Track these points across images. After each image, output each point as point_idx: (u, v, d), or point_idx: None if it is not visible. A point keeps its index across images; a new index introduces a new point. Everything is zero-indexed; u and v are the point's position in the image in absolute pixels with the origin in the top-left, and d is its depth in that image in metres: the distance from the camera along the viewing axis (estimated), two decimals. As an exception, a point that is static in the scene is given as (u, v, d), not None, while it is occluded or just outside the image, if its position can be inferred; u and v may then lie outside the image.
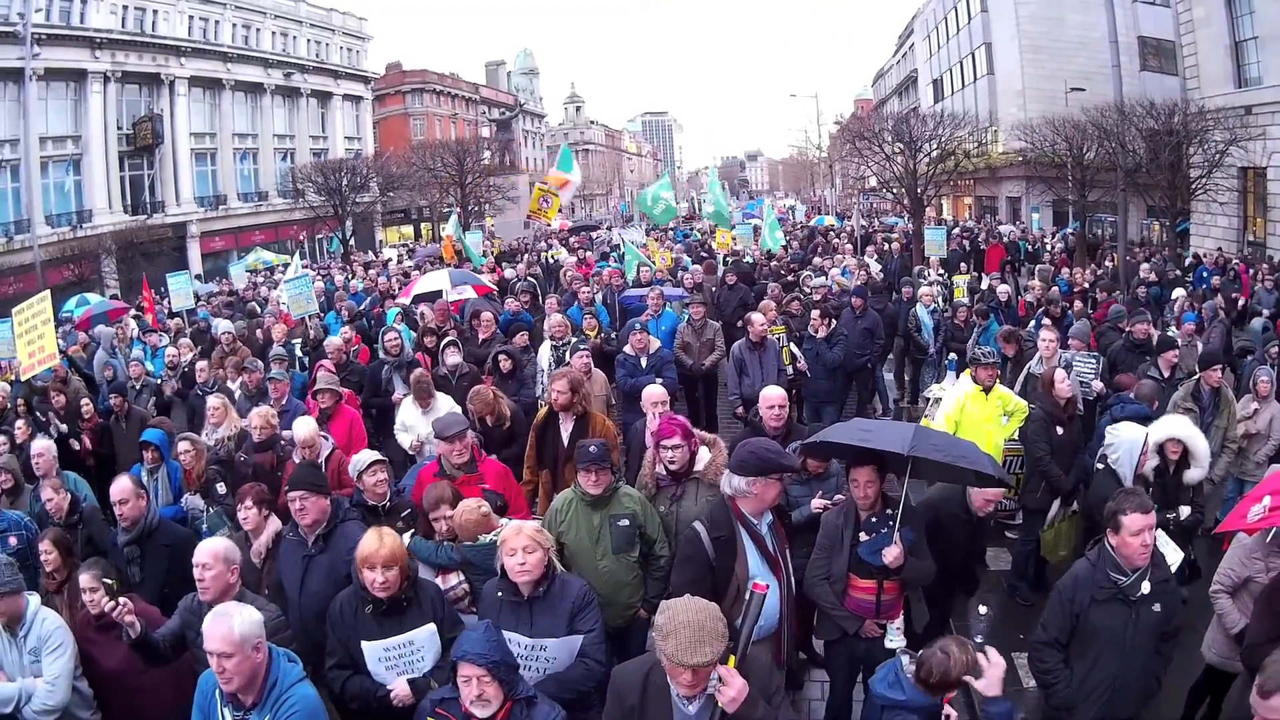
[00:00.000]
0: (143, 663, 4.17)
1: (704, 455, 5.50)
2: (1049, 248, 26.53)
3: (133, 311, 19.11)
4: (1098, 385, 9.06)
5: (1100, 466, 6.63)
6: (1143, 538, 4.33)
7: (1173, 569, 5.20)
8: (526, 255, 27.25)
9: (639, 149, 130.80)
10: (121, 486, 5.61)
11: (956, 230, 29.07)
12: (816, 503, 5.59)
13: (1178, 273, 18.80)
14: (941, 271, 17.77)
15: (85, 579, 4.56)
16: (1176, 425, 6.35)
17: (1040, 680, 4.69)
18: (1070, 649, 4.56)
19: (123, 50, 39.81)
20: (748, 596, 3.58)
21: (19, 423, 9.06)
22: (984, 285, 16.08)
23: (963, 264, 19.77)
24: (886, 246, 22.51)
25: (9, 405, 10.45)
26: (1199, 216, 26.05)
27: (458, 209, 38.42)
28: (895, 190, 29.49)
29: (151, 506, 5.91)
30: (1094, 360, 9.58)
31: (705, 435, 5.67)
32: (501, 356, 9.43)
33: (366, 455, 5.85)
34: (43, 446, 7.40)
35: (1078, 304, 13.43)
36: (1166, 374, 8.77)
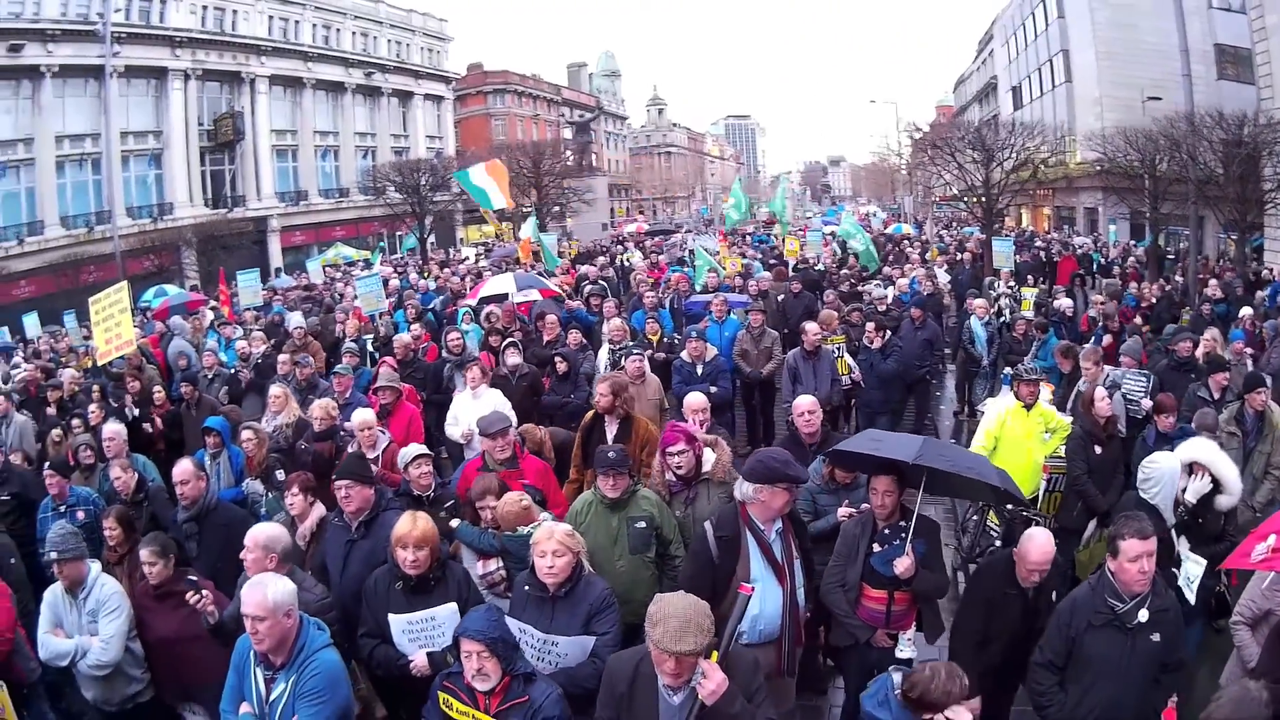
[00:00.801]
0: (219, 645, 4.51)
1: (709, 457, 5.72)
2: (1121, 261, 25.99)
3: (210, 304, 19.91)
4: (1147, 403, 8.60)
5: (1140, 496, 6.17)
6: (1140, 564, 4.30)
7: (1194, 582, 5.25)
8: (601, 258, 27.57)
9: (721, 152, 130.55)
10: (183, 469, 6.09)
11: (1033, 241, 28.58)
12: (843, 511, 5.71)
13: (1240, 290, 18.10)
14: (1011, 283, 17.50)
15: (145, 553, 4.96)
16: (1200, 449, 6.01)
17: (1035, 702, 4.68)
18: (1067, 673, 4.54)
19: (203, 49, 41.03)
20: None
21: (92, 407, 9.62)
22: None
23: (1030, 276, 19.54)
24: (959, 257, 22.33)
25: (77, 390, 11.08)
26: (1272, 231, 25.24)
27: (534, 210, 38.83)
28: (968, 200, 29.09)
29: (210, 488, 6.43)
30: (1144, 378, 9.37)
31: (708, 437, 5.88)
32: (558, 359, 9.73)
33: (413, 449, 6.25)
34: (114, 429, 7.89)
35: (1139, 320, 13.21)
36: (1217, 395, 8.51)
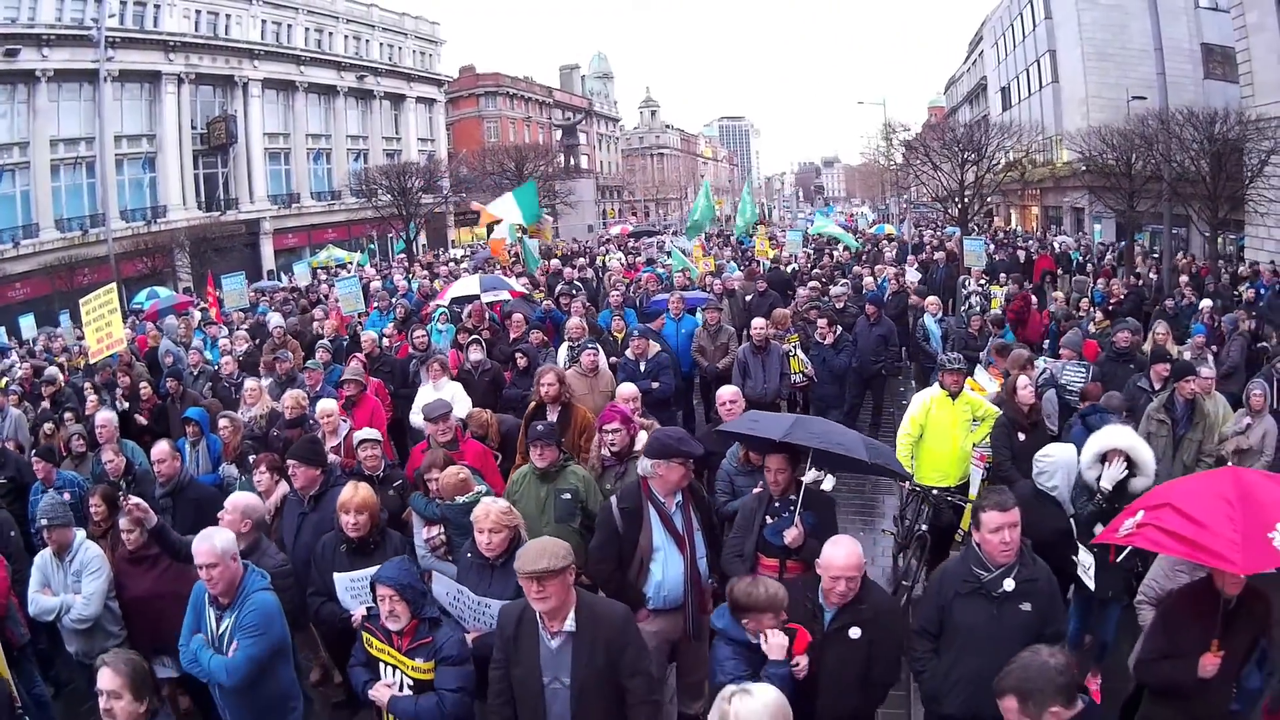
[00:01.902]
0: (166, 552, 5.41)
1: (643, 438, 6.22)
2: (1098, 260, 26.44)
3: (199, 305, 20.48)
4: (1106, 396, 8.68)
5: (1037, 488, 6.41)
6: (1001, 535, 4.46)
7: (1090, 570, 5.59)
8: (581, 259, 28.05)
9: (715, 153, 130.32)
10: (160, 449, 6.85)
11: (1014, 241, 28.94)
12: (757, 490, 6.08)
13: (1212, 287, 18.36)
14: (982, 281, 17.83)
15: (124, 522, 5.53)
16: (1114, 436, 6.12)
17: (912, 669, 4.84)
18: (941, 640, 4.67)
19: (196, 53, 41.44)
20: None
21: (91, 397, 10.22)
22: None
23: (1003, 274, 19.98)
24: (934, 256, 22.76)
25: (65, 387, 11.70)
26: (1251, 229, 25.41)
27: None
28: (943, 201, 29.57)
29: (184, 468, 7.07)
30: (1083, 369, 9.80)
31: (644, 420, 6.45)
32: (518, 354, 10.24)
33: (362, 433, 6.89)
34: (106, 417, 8.46)
35: (1099, 315, 13.40)
36: (1157, 386, 8.72)
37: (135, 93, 39.94)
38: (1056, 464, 6.20)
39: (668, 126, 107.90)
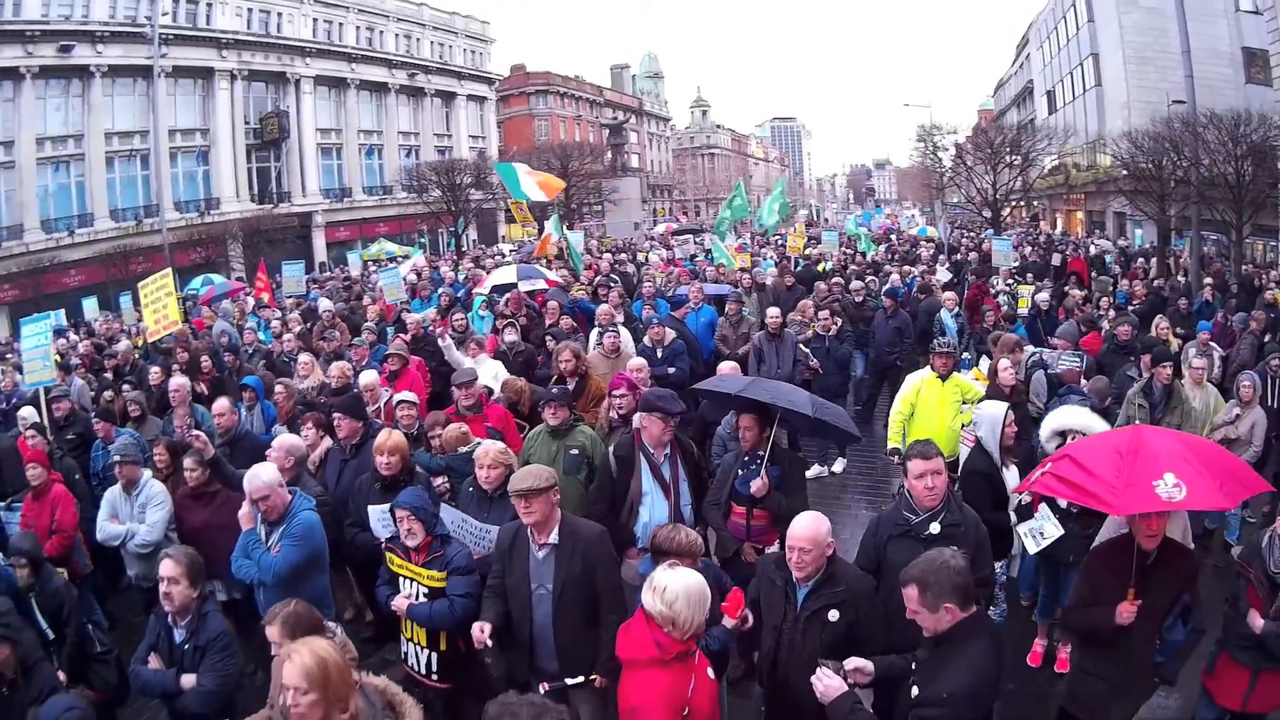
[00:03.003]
0: (220, 479, 6.42)
1: None
2: (1132, 263, 26.53)
3: (246, 290, 21.69)
4: (1090, 382, 9.26)
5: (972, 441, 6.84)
6: (925, 481, 4.86)
7: (1043, 537, 5.72)
8: (623, 253, 28.94)
9: (765, 154, 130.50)
10: (221, 404, 7.98)
11: (1053, 243, 29.03)
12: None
13: (1235, 289, 18.60)
14: (1010, 281, 18.29)
15: (189, 462, 6.46)
16: (1067, 416, 6.54)
17: None
18: (880, 578, 4.89)
19: (249, 50, 42.57)
20: None
21: (154, 369, 11.09)
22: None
23: (1029, 274, 20.31)
24: (967, 257, 23.11)
25: (134, 359, 12.76)
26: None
27: (559, 210, 40.08)
28: (975, 203, 29.84)
29: (241, 421, 8.13)
30: (1078, 358, 9.93)
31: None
32: (548, 338, 11.08)
33: (400, 395, 7.84)
34: (179, 382, 9.36)
35: (1112, 313, 13.77)
36: (1145, 374, 8.94)
37: (188, 88, 41.16)
38: (983, 416, 6.70)
39: (718, 126, 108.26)
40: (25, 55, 34.15)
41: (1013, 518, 5.97)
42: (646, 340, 10.69)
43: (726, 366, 8.08)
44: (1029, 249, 27.24)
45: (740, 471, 6.02)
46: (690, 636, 3.70)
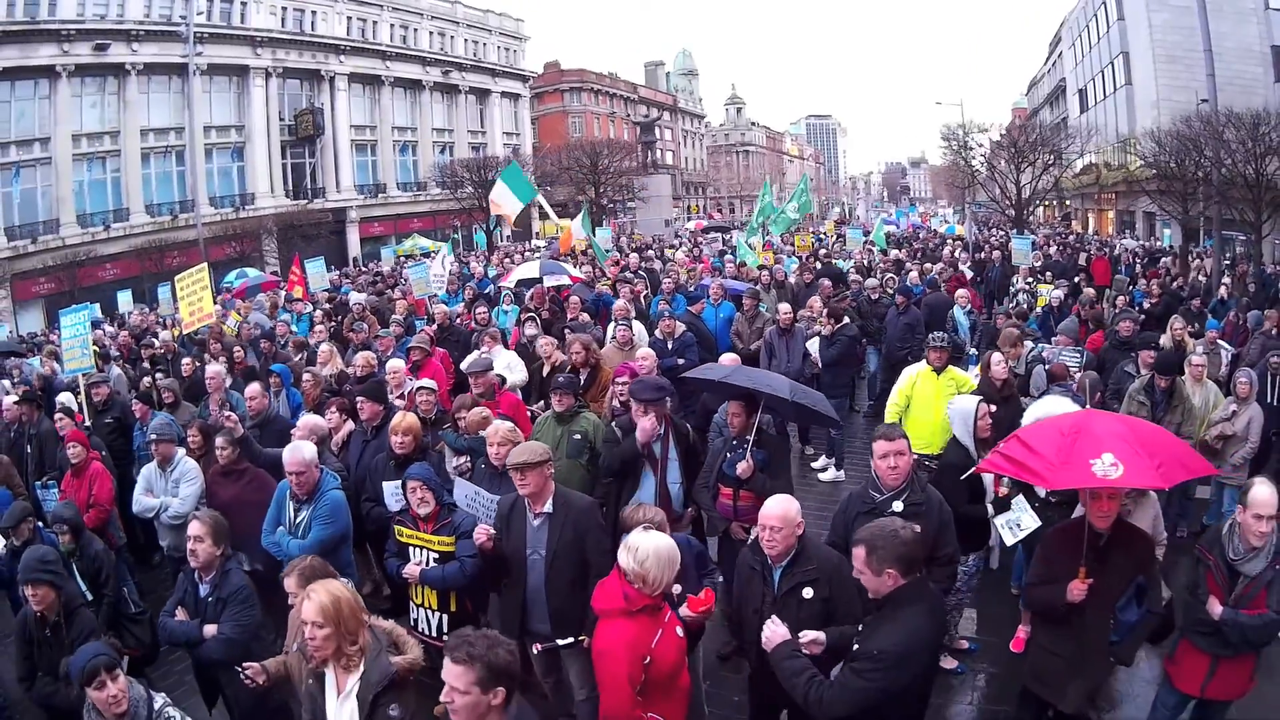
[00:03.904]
0: (248, 457, 6.92)
1: None
2: (1155, 263, 26.53)
3: (280, 285, 22.43)
4: (1079, 376, 9.36)
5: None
6: (888, 461, 5.19)
7: (1020, 528, 5.91)
8: (650, 250, 29.33)
9: (800, 151, 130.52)
10: (252, 388, 8.66)
11: (1080, 242, 28.97)
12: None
13: (1253, 288, 18.71)
14: (1029, 280, 18.50)
15: (220, 440, 6.94)
16: (1051, 405, 6.77)
17: None
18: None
19: (283, 48, 43.37)
20: None
21: (185, 360, 11.74)
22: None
23: (1048, 273, 20.43)
24: (991, 255, 23.26)
25: (173, 349, 13.40)
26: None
27: (589, 206, 40.38)
28: (1000, 203, 29.88)
29: (271, 404, 8.77)
30: (1078, 354, 10.49)
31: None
32: (567, 331, 11.48)
33: (419, 382, 8.35)
34: (216, 370, 9.98)
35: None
36: (1143, 370, 9.08)
37: (223, 85, 42.02)
38: (955, 411, 7.00)
39: (753, 124, 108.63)
40: (61, 54, 35.05)
41: (990, 510, 6.20)
42: (657, 333, 11.04)
43: (726, 359, 8.47)
44: (1055, 248, 27.26)
45: (728, 455, 6.37)
46: (659, 593, 4.08)
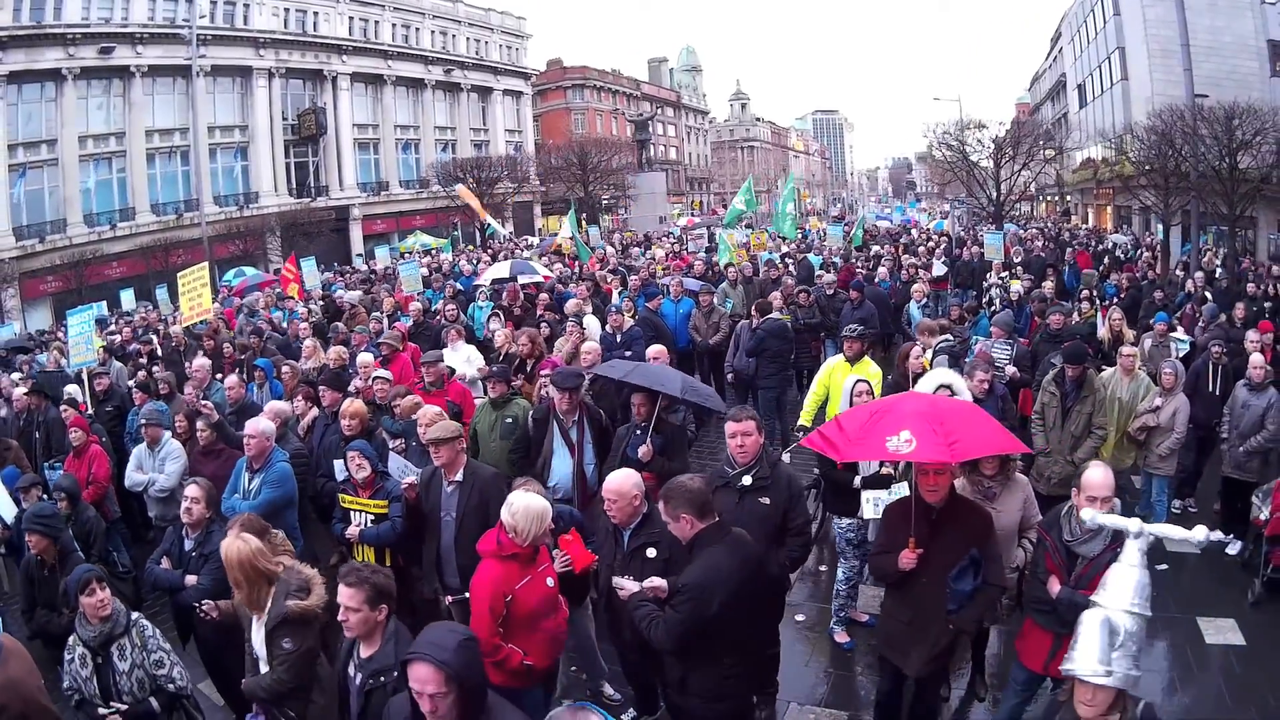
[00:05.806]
0: (222, 439, 7.87)
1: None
2: (1133, 258, 26.95)
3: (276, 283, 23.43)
4: (1010, 370, 10.05)
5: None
6: (736, 440, 5.52)
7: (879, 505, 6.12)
8: (637, 246, 30.21)
9: (806, 147, 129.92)
10: (231, 380, 9.65)
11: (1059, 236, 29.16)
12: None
13: (1225, 283, 19.03)
14: (1002, 274, 18.74)
15: (200, 424, 7.95)
16: (941, 375, 7.24)
17: None
18: None
19: (285, 49, 43.96)
20: None
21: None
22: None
23: (1018, 267, 20.93)
24: (971, 250, 23.63)
25: (186, 341, 14.23)
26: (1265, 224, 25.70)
27: (576, 204, 41.03)
28: (980, 199, 30.29)
29: (249, 395, 9.76)
30: (1009, 346, 10.69)
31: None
32: (543, 326, 12.20)
33: (376, 372, 9.28)
34: (201, 363, 11.00)
35: (1085, 306, 14.51)
36: (1060, 364, 8.71)
37: (227, 86, 42.63)
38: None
39: (758, 119, 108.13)
40: (67, 57, 35.79)
41: (857, 481, 6.67)
42: (606, 327, 11.85)
43: (651, 351, 9.14)
44: (1042, 243, 27.69)
45: (631, 439, 7.03)
46: (528, 543, 4.87)
